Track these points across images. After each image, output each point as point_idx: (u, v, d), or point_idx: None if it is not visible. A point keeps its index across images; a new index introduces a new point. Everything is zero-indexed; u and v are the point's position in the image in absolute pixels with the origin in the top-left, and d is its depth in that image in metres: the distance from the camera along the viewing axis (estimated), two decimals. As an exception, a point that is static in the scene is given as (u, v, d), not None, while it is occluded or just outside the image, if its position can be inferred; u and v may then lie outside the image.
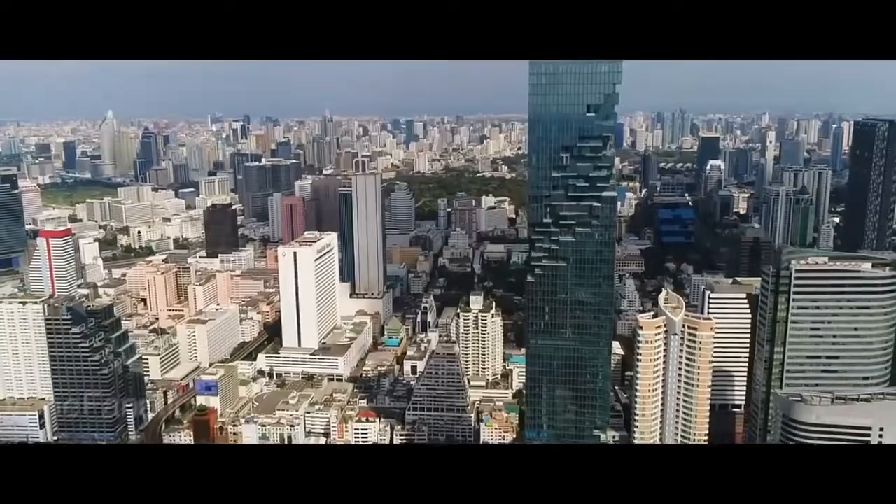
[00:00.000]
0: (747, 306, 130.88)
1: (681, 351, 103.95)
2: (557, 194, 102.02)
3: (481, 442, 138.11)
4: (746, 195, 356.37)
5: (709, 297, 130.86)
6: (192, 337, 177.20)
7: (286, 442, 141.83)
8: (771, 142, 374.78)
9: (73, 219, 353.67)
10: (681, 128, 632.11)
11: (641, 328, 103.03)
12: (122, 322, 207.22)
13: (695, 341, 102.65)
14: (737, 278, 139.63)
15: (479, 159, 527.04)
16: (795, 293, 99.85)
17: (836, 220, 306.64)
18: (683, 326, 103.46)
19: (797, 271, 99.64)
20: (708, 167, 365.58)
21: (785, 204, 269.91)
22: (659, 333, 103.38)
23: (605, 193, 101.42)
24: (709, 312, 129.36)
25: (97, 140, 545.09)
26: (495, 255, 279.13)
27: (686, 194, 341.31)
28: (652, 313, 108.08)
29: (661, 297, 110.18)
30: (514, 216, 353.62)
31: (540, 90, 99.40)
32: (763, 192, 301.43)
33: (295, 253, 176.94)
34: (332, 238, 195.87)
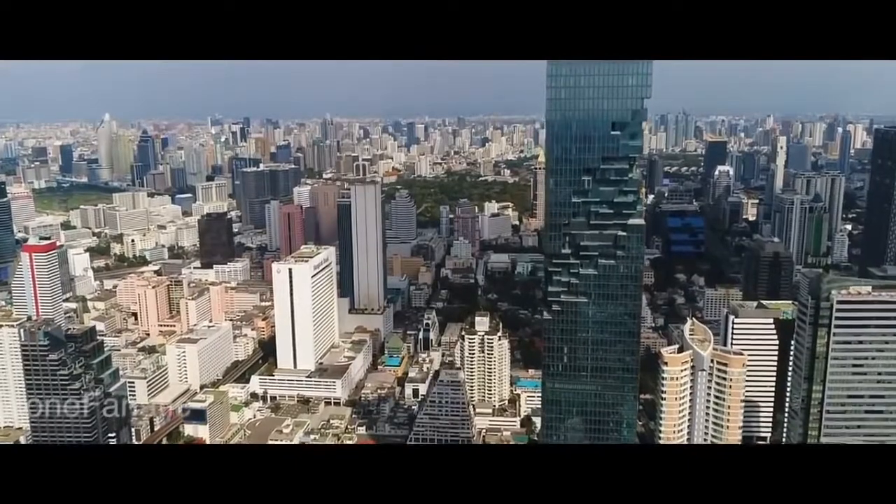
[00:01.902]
0: (774, 332, 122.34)
1: (709, 388, 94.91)
2: (578, 222, 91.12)
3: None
4: (756, 202, 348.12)
5: (733, 323, 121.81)
6: (182, 357, 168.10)
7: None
8: (782, 147, 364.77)
9: (66, 225, 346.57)
10: (684, 130, 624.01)
11: (666, 364, 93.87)
12: (112, 338, 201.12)
13: (724, 378, 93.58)
14: (762, 301, 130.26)
15: (482, 163, 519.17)
16: (837, 326, 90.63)
17: (849, 227, 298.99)
18: (712, 361, 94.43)
19: (839, 302, 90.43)
20: (716, 173, 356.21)
21: (800, 213, 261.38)
22: (685, 369, 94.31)
23: (631, 221, 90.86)
24: (733, 339, 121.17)
25: (96, 143, 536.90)
26: (499, 265, 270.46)
27: (694, 201, 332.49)
28: (677, 346, 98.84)
29: (687, 327, 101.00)
30: (517, 223, 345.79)
31: (559, 105, 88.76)
32: (776, 201, 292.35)
33: (290, 269, 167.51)
34: (329, 252, 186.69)
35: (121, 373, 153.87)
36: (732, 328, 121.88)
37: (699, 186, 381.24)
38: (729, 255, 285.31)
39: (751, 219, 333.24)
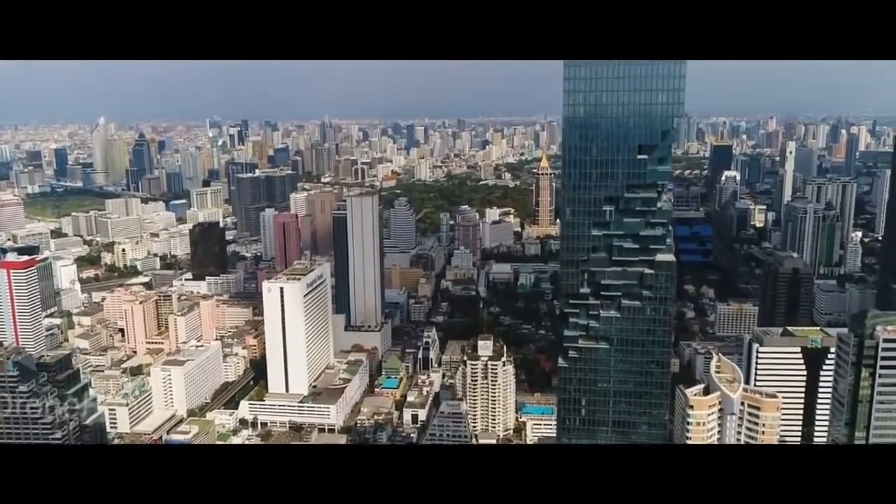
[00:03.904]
0: (802, 362, 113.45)
1: (739, 433, 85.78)
2: (598, 258, 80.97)
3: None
4: (763, 207, 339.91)
5: (757, 352, 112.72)
6: (168, 380, 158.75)
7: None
8: (791, 152, 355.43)
9: (57, 233, 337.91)
10: (686, 133, 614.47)
11: (692, 407, 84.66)
12: (96, 357, 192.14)
13: (757, 423, 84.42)
14: (787, 328, 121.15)
15: (482, 166, 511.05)
16: (882, 367, 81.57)
17: (859, 234, 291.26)
18: (742, 404, 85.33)
19: (885, 340, 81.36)
20: (723, 178, 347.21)
21: (813, 222, 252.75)
22: (713, 413, 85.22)
23: (659, 257, 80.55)
24: (757, 369, 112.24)
25: (91, 146, 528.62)
26: (501, 276, 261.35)
27: (700, 207, 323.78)
28: (703, 386, 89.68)
29: (713, 364, 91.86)
30: (519, 229, 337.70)
31: (577, 124, 78.34)
32: (788, 209, 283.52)
33: (282, 288, 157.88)
34: (324, 269, 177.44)
35: (102, 398, 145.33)
36: (757, 358, 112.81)
37: (704, 191, 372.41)
38: (738, 265, 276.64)
39: (758, 225, 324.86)
